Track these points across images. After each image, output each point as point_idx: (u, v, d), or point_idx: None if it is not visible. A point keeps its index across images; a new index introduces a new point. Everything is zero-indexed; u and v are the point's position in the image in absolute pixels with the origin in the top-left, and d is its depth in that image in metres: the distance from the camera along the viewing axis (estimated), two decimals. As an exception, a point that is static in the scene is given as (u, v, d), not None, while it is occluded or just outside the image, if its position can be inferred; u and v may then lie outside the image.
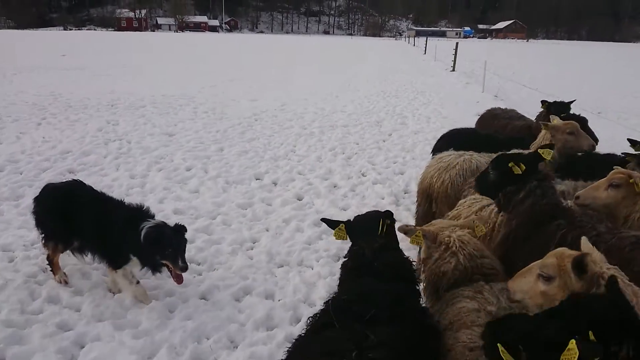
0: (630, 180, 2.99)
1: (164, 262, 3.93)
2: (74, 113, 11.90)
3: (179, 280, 3.97)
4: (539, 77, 24.62)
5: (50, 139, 9.27)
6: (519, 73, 26.44)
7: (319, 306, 4.13)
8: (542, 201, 3.22)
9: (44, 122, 10.82)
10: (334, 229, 3.23)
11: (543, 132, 5.03)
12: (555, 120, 5.04)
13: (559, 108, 6.20)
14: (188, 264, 3.96)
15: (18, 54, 31.09)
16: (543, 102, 6.83)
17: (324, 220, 3.40)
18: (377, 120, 12.51)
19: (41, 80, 17.70)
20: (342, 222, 3.25)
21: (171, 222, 5.15)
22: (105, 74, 20.78)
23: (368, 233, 3.03)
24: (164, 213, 6.01)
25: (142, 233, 3.85)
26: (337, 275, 4.56)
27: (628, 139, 4.61)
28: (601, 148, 5.70)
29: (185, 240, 4.08)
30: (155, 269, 4.02)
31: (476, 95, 17.24)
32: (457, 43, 27.92)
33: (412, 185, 7.51)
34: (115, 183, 7.07)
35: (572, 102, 6.68)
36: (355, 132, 11.19)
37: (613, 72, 30.80)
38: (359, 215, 3.45)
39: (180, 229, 4.05)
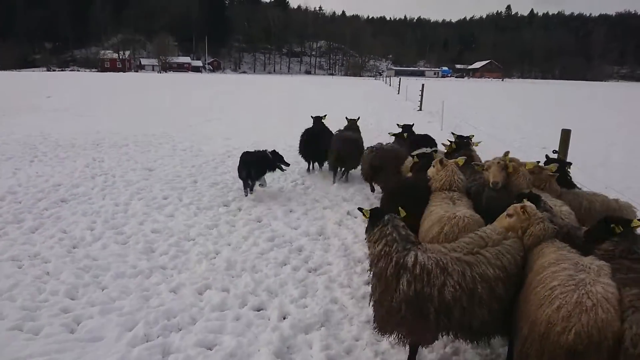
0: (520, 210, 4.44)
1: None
2: (62, 151, 13.15)
3: None
4: (499, 117, 26.59)
5: (43, 174, 10.52)
6: (482, 113, 28.42)
7: (263, 297, 5.46)
8: None
9: (36, 160, 12.06)
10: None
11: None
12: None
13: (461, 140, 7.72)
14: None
15: (4, 95, 32.32)
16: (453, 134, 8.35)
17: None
18: (339, 156, 13.90)
19: (30, 122, 18.97)
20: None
21: (149, 239, 6.60)
22: (90, 115, 22.11)
23: None
24: (143, 232, 7.30)
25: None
26: (281, 276, 5.92)
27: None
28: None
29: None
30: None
31: (435, 133, 18.83)
32: (422, 85, 29.89)
33: (355, 211, 8.86)
34: (102, 209, 8.31)
35: (470, 137, 8.19)
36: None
37: (574, 110, 32.95)
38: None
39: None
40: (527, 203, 4.45)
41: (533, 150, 14.59)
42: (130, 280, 5.79)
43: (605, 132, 20.54)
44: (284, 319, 5.10)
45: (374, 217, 4.18)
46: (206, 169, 11.76)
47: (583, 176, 10.13)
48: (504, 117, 26.26)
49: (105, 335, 4.64)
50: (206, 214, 8.42)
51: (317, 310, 5.24)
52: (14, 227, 7.33)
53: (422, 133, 11.49)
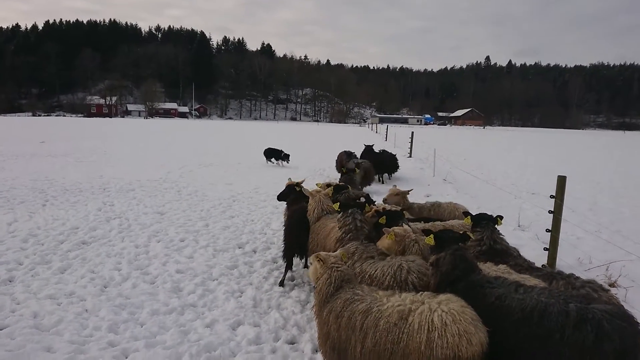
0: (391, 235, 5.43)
1: None
2: (72, 195, 13.48)
3: None
4: (485, 162, 27.53)
5: (58, 218, 10.83)
6: (469, 159, 29.34)
7: (294, 332, 5.82)
8: None
9: (47, 204, 12.36)
10: None
11: None
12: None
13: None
14: None
15: (-2, 140, 32.60)
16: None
17: None
18: (339, 201, 14.42)
19: (32, 167, 19.27)
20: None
21: (175, 279, 6.96)
22: (90, 160, 22.47)
23: None
24: (168, 272, 7.64)
25: None
26: (306, 313, 6.28)
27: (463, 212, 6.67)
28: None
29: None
30: None
31: (428, 179, 19.51)
32: (412, 132, 30.79)
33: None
34: (124, 251, 8.65)
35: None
36: (320, 210, 13.03)
37: (556, 156, 34.13)
38: None
39: None
40: (396, 228, 5.44)
41: (524, 195, 15.29)
42: (166, 317, 6.12)
43: (591, 176, 21.42)
44: (317, 351, 5.46)
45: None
46: (215, 213, 12.15)
47: (577, 219, 10.77)
48: (490, 163, 27.19)
49: (155, 367, 4.96)
50: (224, 256, 8.78)
51: (347, 344, 5.60)
52: (44, 267, 7.63)
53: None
